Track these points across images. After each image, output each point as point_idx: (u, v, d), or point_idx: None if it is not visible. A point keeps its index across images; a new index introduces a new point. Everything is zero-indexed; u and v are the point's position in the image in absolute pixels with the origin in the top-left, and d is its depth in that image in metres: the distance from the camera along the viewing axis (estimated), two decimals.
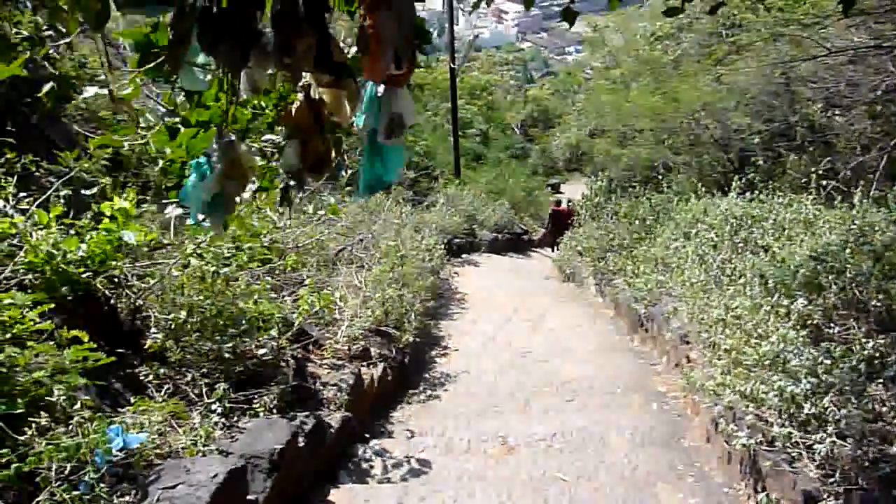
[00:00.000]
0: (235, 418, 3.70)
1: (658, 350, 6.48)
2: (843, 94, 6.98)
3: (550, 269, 13.24)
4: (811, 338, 3.49)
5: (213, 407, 3.50)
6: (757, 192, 6.76)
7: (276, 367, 4.24)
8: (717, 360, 3.95)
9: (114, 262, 3.92)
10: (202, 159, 2.20)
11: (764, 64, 7.09)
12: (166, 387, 3.75)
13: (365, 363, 5.40)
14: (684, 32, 10.23)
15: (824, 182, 6.68)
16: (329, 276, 6.55)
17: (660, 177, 9.98)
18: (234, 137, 2.16)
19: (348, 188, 4.85)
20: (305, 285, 5.78)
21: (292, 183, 2.43)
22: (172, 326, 3.77)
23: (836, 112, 7.69)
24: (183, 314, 3.76)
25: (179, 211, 3.11)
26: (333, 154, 2.34)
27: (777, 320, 3.75)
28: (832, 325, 3.67)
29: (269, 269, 5.66)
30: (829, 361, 3.01)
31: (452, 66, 16.79)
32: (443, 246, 11.57)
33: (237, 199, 2.28)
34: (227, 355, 3.89)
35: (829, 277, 4.00)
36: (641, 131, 10.32)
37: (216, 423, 3.44)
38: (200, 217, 2.26)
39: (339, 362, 4.95)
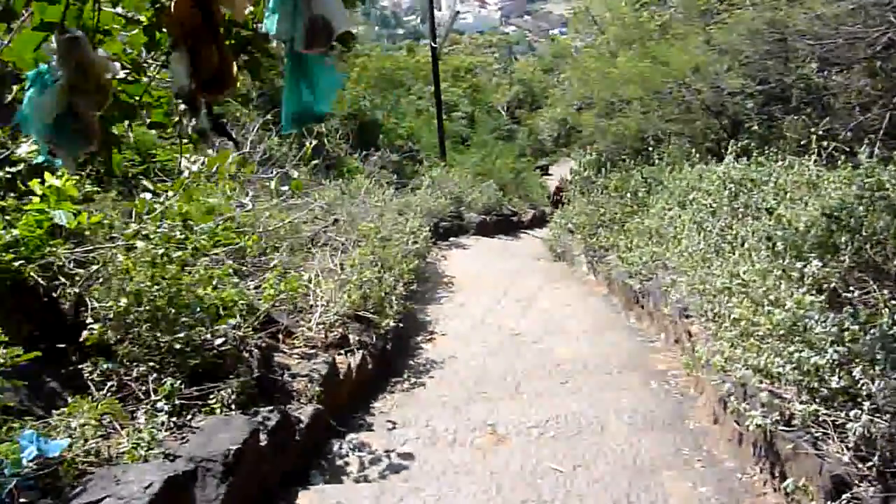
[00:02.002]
0: (189, 417, 3.30)
1: (655, 326, 6.12)
2: (842, 50, 6.59)
3: (541, 249, 12.86)
4: (829, 303, 3.12)
5: (160, 405, 3.10)
6: (751, 157, 6.39)
7: (238, 359, 3.84)
8: (724, 333, 3.58)
9: (49, 248, 3.51)
10: (43, 67, 1.71)
11: (758, 15, 6.68)
12: (110, 384, 3.35)
13: (342, 351, 5.01)
14: None
15: (824, 143, 6.30)
16: (304, 261, 6.13)
17: (650, 148, 9.59)
18: (80, 33, 1.69)
19: (314, 162, 4.41)
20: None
21: (182, 107, 1.99)
22: (113, 316, 3.35)
23: (834, 70, 7.30)
24: (124, 302, 3.34)
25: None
26: (235, 68, 1.90)
27: (789, 285, 3.37)
28: (850, 288, 3.29)
29: (236, 254, 5.26)
30: (856, 327, 2.64)
31: (433, 44, 16.27)
32: (429, 229, 11.18)
33: (95, 122, 1.78)
34: (179, 346, 3.48)
35: (843, 237, 3.63)
36: (630, 102, 9.91)
37: (163, 424, 3.05)
38: (48, 148, 1.75)
39: (312, 351, 4.55)
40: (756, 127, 8.15)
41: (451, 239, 13.59)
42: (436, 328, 7.09)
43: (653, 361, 5.40)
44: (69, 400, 3.06)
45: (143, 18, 1.96)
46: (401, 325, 6.16)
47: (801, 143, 6.88)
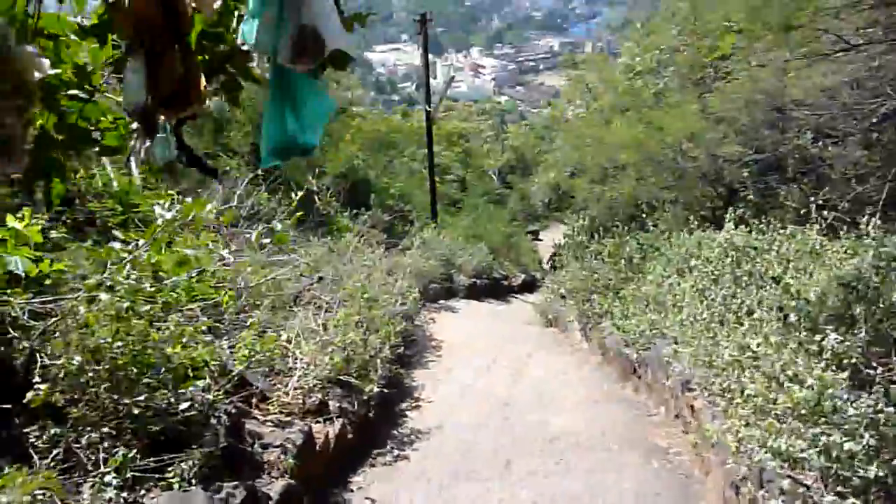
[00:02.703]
0: (143, 492, 2.94)
1: (654, 399, 5.81)
2: (839, 121, 6.56)
3: (532, 315, 12.58)
4: (851, 380, 2.85)
5: (109, 479, 2.74)
6: (748, 226, 6.25)
7: (205, 426, 3.49)
8: (735, 410, 3.29)
9: (2, 297, 3.21)
10: None
11: (754, 85, 6.66)
12: (56, 452, 3.00)
13: (321, 419, 4.65)
14: (664, 67, 9.93)
15: (824, 213, 6.18)
16: (285, 320, 5.82)
17: (644, 215, 9.47)
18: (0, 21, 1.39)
19: (298, 215, 4.18)
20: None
21: (134, 126, 1.73)
22: (64, 376, 3.02)
23: (829, 141, 7.27)
24: (78, 360, 3.02)
25: None
26: (203, 81, 1.66)
27: (807, 360, 3.11)
28: (872, 364, 3.03)
29: (212, 310, 4.96)
30: (890, 409, 2.37)
31: (427, 108, 16.41)
32: (418, 290, 10.91)
33: (24, 134, 1.44)
34: (138, 411, 3.14)
35: (859, 309, 3.40)
36: (624, 167, 9.87)
37: (111, 501, 2.69)
38: None
39: (288, 419, 4.20)
40: (752, 196, 8.06)
41: (441, 301, 13.31)
42: (422, 394, 6.72)
43: (652, 437, 5.06)
44: (7, 470, 2.71)
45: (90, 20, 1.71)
46: (385, 390, 5.81)
47: (801, 212, 6.75)
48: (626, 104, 9.83)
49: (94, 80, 1.75)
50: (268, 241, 3.72)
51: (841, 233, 5.51)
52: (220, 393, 3.78)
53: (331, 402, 4.90)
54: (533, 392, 6.65)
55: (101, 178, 7.11)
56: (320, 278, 6.48)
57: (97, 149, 1.92)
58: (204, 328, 4.04)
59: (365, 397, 5.20)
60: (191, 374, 3.69)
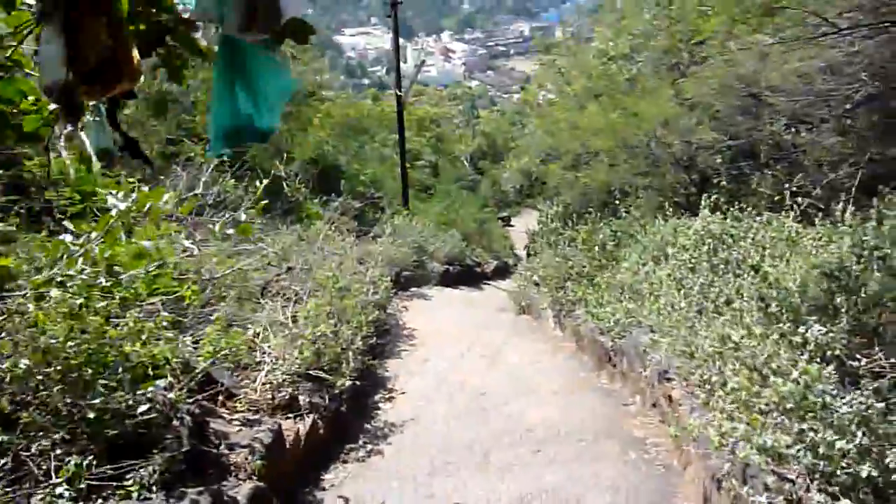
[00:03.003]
0: (99, 501, 2.76)
1: (630, 388, 5.76)
2: (814, 107, 6.53)
3: (505, 302, 12.51)
4: (837, 373, 2.79)
5: (60, 490, 2.56)
6: (723, 213, 6.22)
7: (167, 427, 3.31)
8: (717, 403, 3.21)
9: None
10: None
11: (730, 69, 6.59)
12: (4, 461, 2.80)
13: (291, 415, 4.49)
14: (638, 52, 9.84)
15: (798, 200, 6.16)
16: (253, 312, 5.62)
17: (618, 201, 9.42)
18: None
19: (263, 203, 3.99)
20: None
21: (53, 106, 1.53)
22: (10, 379, 2.82)
23: (803, 128, 7.26)
24: (25, 363, 2.81)
25: None
26: (136, 54, 1.45)
27: (790, 352, 3.04)
28: (856, 356, 2.97)
29: (175, 304, 4.75)
30: (881, 405, 2.30)
31: (398, 92, 16.15)
32: (390, 278, 10.75)
33: None
34: (94, 415, 2.95)
35: (840, 299, 3.34)
36: (597, 154, 9.80)
37: None
38: None
39: (256, 416, 4.03)
40: (725, 182, 8.04)
41: (413, 289, 13.17)
42: (396, 385, 6.60)
43: (629, 427, 5.00)
44: None
45: None
46: (357, 382, 5.66)
47: (774, 199, 6.74)
48: (599, 89, 9.73)
49: (14, 55, 1.55)
50: (231, 231, 3.53)
51: (816, 220, 5.50)
52: (183, 392, 3.60)
53: (301, 397, 4.74)
54: (508, 381, 6.56)
55: (56, 164, 6.81)
56: (289, 268, 6.28)
57: (16, 136, 1.71)
58: (165, 323, 3.84)
59: (336, 391, 5.04)
60: (151, 374, 3.51)
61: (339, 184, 14.78)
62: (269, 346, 4.75)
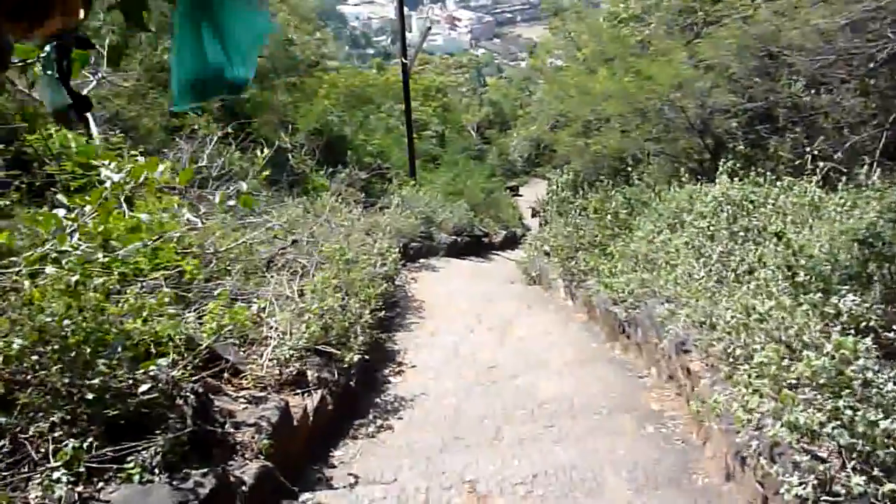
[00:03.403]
0: (100, 485, 2.66)
1: (645, 359, 5.63)
2: (835, 67, 6.27)
3: (514, 272, 12.37)
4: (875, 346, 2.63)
5: (58, 475, 2.45)
6: (740, 179, 6.01)
7: (170, 407, 3.20)
8: (742, 377, 3.07)
9: None
10: None
11: (747, 28, 6.31)
12: (1, 443, 2.70)
13: (299, 391, 4.39)
14: (651, 13, 9.51)
15: (820, 164, 5.95)
16: (258, 286, 5.50)
17: (629, 168, 9.20)
18: None
19: (265, 173, 3.83)
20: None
21: None
22: (3, 359, 2.70)
23: (823, 89, 6.99)
24: (18, 342, 2.69)
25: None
26: None
27: (821, 324, 2.88)
28: (893, 328, 2.81)
29: (179, 279, 4.64)
30: None
31: (404, 60, 15.81)
32: (398, 250, 10.61)
33: None
34: (93, 396, 2.84)
35: (873, 266, 3.17)
36: (608, 120, 9.54)
37: (61, 500, 2.41)
38: None
39: (262, 393, 3.93)
40: (741, 147, 7.79)
41: (421, 260, 13.04)
42: (405, 359, 6.50)
43: (645, 400, 4.88)
44: None
45: None
46: (366, 357, 5.56)
47: (795, 163, 6.53)
48: (610, 53, 9.41)
49: None
50: (233, 203, 3.38)
51: (838, 184, 5.30)
52: (187, 370, 3.49)
53: (309, 373, 4.64)
54: (519, 354, 6.45)
55: (58, 138, 6.66)
56: (294, 241, 6.14)
57: None
58: (167, 299, 3.72)
59: (345, 366, 4.93)
60: (154, 351, 3.40)
61: (345, 155, 14.59)
62: (275, 321, 4.63)
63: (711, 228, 4.83)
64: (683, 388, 4.61)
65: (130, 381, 3.06)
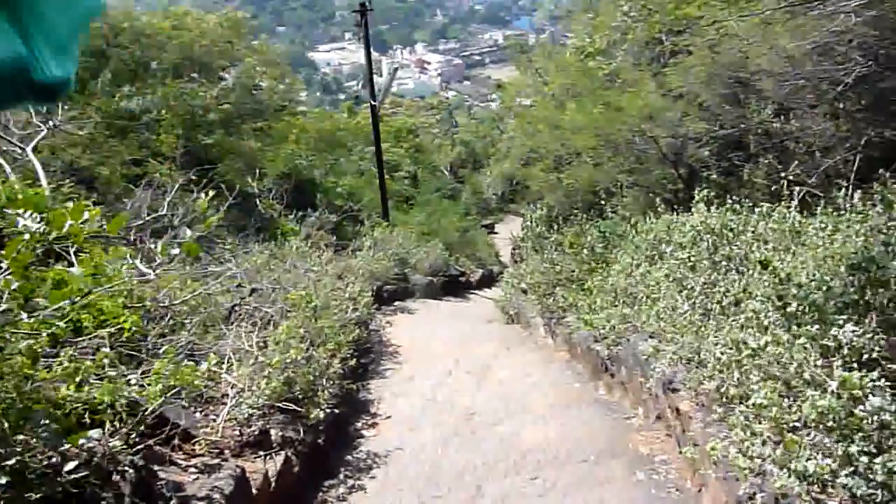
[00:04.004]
0: None
1: (631, 399, 5.35)
2: (805, 91, 6.21)
3: (492, 312, 12.10)
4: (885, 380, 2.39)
5: None
6: (717, 207, 5.87)
7: (106, 484, 2.84)
8: (738, 419, 2.80)
9: None
10: None
11: (715, 56, 6.24)
12: None
13: (261, 453, 4.03)
14: (617, 47, 9.51)
15: (796, 189, 5.84)
16: (218, 340, 5.15)
17: (603, 201, 9.06)
18: None
19: (214, 218, 3.54)
20: (179, 355, 4.46)
21: None
22: None
23: (792, 115, 6.93)
24: None
25: None
26: None
27: (822, 357, 2.64)
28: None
29: (127, 337, 4.29)
30: None
31: (373, 102, 15.72)
32: (371, 293, 10.29)
33: None
34: (5, 480, 2.47)
35: (869, 293, 2.96)
36: (579, 154, 9.43)
37: None
38: None
39: (216, 460, 3.56)
40: (714, 175, 7.69)
41: (397, 303, 12.71)
42: (380, 409, 6.15)
43: (634, 444, 4.59)
44: None
45: None
46: (336, 410, 5.20)
47: (771, 189, 6.41)
48: (579, 87, 9.36)
49: None
50: (176, 251, 3.09)
51: (816, 209, 5.16)
52: (129, 439, 3.14)
53: (272, 432, 4.28)
54: (499, 398, 6.13)
55: (4, 190, 6.33)
56: (254, 290, 5.81)
57: None
58: (106, 360, 3.38)
59: (312, 422, 4.57)
60: (89, 420, 3.05)
61: (314, 198, 14.33)
62: (233, 378, 4.27)
63: (692, 259, 4.62)
64: (673, 430, 4.33)
65: (58, 458, 2.71)
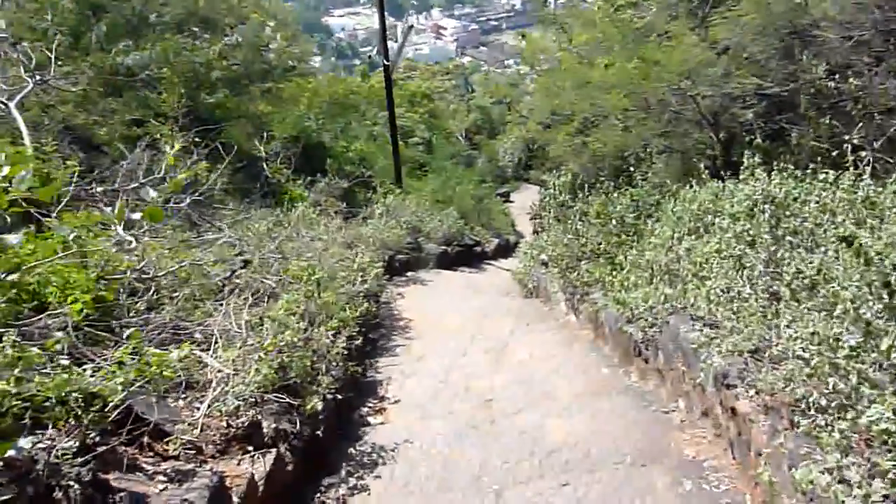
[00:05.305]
0: None
1: (669, 389, 4.76)
2: (871, 44, 5.46)
3: (510, 284, 11.52)
4: None
5: None
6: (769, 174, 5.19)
7: (47, 499, 2.31)
8: (837, 439, 2.20)
9: None
10: None
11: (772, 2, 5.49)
12: None
13: (250, 449, 3.49)
14: (648, 1, 8.70)
15: (861, 154, 5.15)
16: (209, 316, 4.60)
17: (631, 168, 8.36)
18: None
19: (181, 177, 2.94)
20: (160, 335, 3.95)
21: None
22: None
23: (851, 71, 6.18)
24: None
25: None
26: None
27: None
28: None
29: (102, 313, 3.75)
30: None
31: (385, 62, 14.96)
32: (382, 263, 9.73)
33: None
34: None
35: None
36: (607, 116, 8.71)
37: None
38: None
39: (190, 465, 3.01)
40: (758, 139, 6.96)
41: (409, 273, 12.16)
42: (388, 392, 5.62)
43: (677, 444, 4.01)
44: None
45: None
46: (339, 396, 4.65)
47: (825, 154, 5.71)
48: (609, 42, 8.57)
49: None
50: (138, 216, 2.53)
51: (886, 178, 4.49)
52: (83, 440, 2.61)
53: (264, 424, 3.75)
54: (519, 382, 5.57)
55: None
56: (246, 262, 5.23)
57: None
58: (60, 346, 2.83)
59: (308, 414, 4.03)
60: (28, 422, 2.51)
61: (324, 163, 13.69)
62: (219, 362, 3.72)
63: (750, 233, 3.97)
64: (724, 431, 3.74)
65: None
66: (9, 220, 5.04)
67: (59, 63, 8.58)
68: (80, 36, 9.19)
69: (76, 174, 5.66)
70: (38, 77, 7.33)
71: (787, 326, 2.97)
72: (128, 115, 9.71)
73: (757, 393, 3.29)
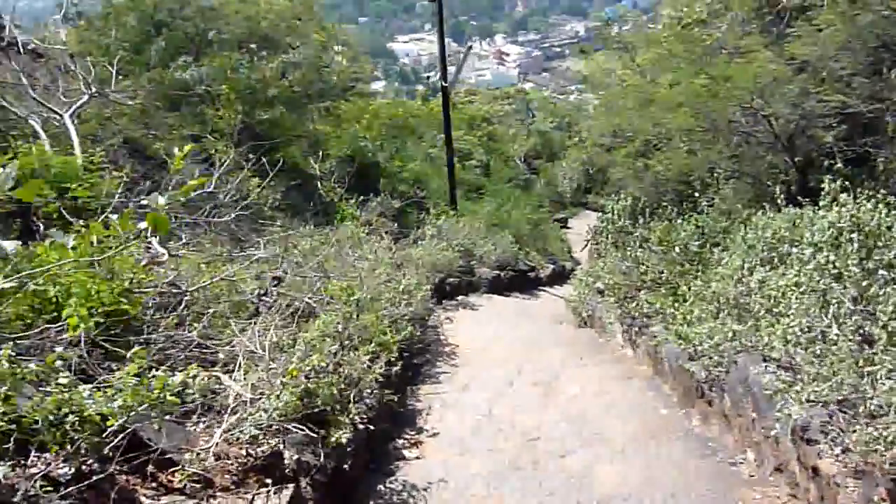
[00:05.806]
0: None
1: (736, 437, 4.26)
2: None
3: (563, 312, 11.03)
4: None
5: None
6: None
7: None
8: None
9: None
10: None
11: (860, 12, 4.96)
12: None
13: (268, 483, 3.21)
14: (719, 17, 8.23)
15: None
16: (241, 334, 4.38)
17: (696, 193, 7.85)
18: None
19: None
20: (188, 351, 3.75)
21: None
22: None
23: None
24: None
25: None
26: None
27: None
28: None
29: (123, 327, 3.58)
30: None
31: (443, 83, 14.84)
32: (431, 286, 9.44)
33: None
34: None
35: None
36: (670, 139, 8.24)
37: None
38: None
39: (191, 501, 2.74)
40: (839, 164, 6.38)
41: (460, 297, 11.81)
42: (426, 423, 5.27)
43: (745, 502, 3.52)
44: None
45: None
46: (371, 426, 4.34)
47: None
48: (675, 58, 8.12)
49: None
50: (143, 224, 2.32)
51: None
52: (78, 468, 2.37)
53: (286, 453, 3.47)
54: (569, 421, 5.14)
55: (36, 156, 5.83)
56: (277, 280, 5.02)
57: None
58: (59, 362, 2.62)
59: (332, 445, 3.72)
60: (10, 445, 2.29)
61: (378, 182, 13.60)
62: (239, 387, 3.47)
63: (838, 266, 3.48)
64: (803, 493, 3.25)
65: None
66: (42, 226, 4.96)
67: (120, 77, 8.75)
68: (142, 51, 9.36)
69: (122, 184, 5.67)
70: (94, 90, 7.43)
71: (888, 377, 2.50)
72: (184, 131, 9.82)
73: (844, 451, 2.81)
